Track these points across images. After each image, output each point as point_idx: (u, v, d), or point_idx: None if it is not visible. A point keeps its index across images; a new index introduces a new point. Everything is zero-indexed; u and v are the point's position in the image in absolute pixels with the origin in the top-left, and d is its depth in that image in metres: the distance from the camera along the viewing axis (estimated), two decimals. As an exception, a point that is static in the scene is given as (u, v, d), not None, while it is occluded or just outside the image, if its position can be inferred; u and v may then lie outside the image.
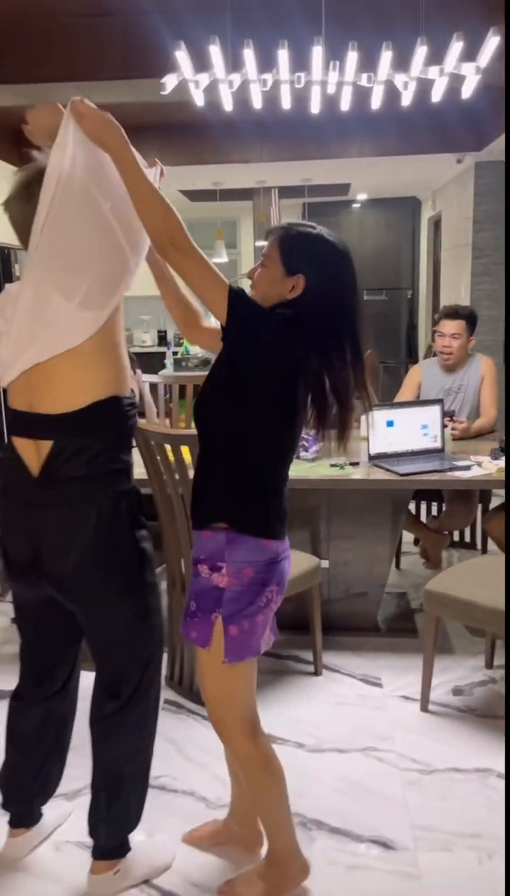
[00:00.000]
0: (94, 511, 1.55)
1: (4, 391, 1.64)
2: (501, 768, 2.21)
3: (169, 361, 5.38)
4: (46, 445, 1.55)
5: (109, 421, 1.58)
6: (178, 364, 5.12)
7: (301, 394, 1.52)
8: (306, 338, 1.49)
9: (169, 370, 5.13)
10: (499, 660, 2.78)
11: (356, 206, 8.95)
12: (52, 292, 1.50)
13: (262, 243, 6.92)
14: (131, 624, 1.67)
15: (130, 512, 1.61)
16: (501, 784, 2.14)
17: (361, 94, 3.05)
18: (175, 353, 5.36)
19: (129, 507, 1.61)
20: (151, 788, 2.12)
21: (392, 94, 2.92)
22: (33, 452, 1.57)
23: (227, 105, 2.72)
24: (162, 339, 8.05)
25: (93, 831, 1.74)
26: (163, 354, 6.45)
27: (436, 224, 7.70)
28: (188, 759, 2.28)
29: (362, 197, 8.57)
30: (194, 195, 7.07)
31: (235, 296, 1.45)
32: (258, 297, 1.53)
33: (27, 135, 1.52)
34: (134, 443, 1.72)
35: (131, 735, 1.72)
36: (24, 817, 1.88)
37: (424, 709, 2.49)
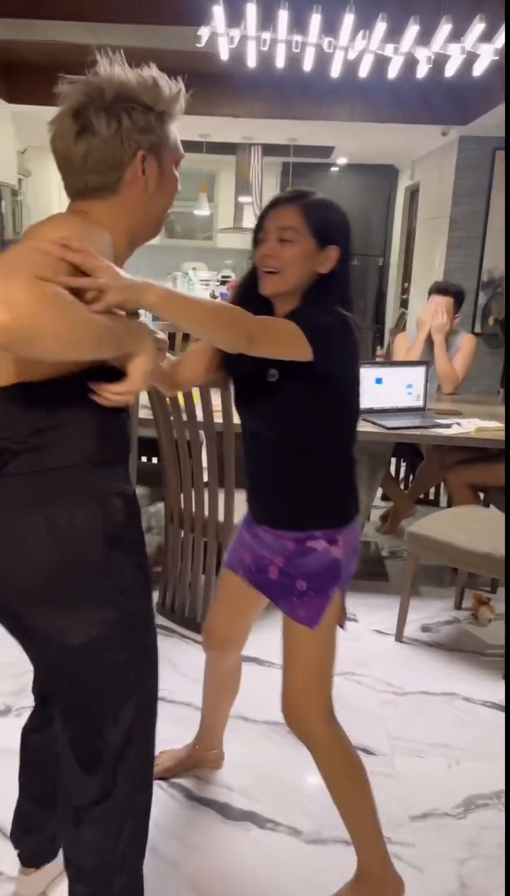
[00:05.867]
0: (42, 521, 1.07)
1: None
2: (465, 693, 2.47)
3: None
4: None
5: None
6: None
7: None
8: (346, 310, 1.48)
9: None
10: (466, 602, 3.05)
11: (334, 169, 9.01)
12: None
13: (247, 199, 6.93)
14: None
15: (99, 527, 1.11)
16: (466, 705, 2.41)
17: (355, 61, 3.15)
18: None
19: (96, 518, 1.10)
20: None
21: (383, 62, 3.03)
22: None
23: (252, 62, 2.81)
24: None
25: None
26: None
27: (413, 194, 7.85)
28: (184, 676, 2.48)
29: (342, 161, 8.64)
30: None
31: (309, 330, 1.35)
32: (291, 278, 1.45)
33: None
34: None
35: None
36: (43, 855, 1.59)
37: (398, 640, 2.74)
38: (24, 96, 5.42)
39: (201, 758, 2.05)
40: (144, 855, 1.28)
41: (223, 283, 6.80)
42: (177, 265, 7.88)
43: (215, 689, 1.95)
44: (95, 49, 1.17)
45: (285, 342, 1.33)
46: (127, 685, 1.21)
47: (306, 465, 1.52)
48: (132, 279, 1.04)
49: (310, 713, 1.57)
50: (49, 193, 7.27)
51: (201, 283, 6.14)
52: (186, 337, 4.26)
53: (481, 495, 3.41)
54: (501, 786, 2.04)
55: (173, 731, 2.18)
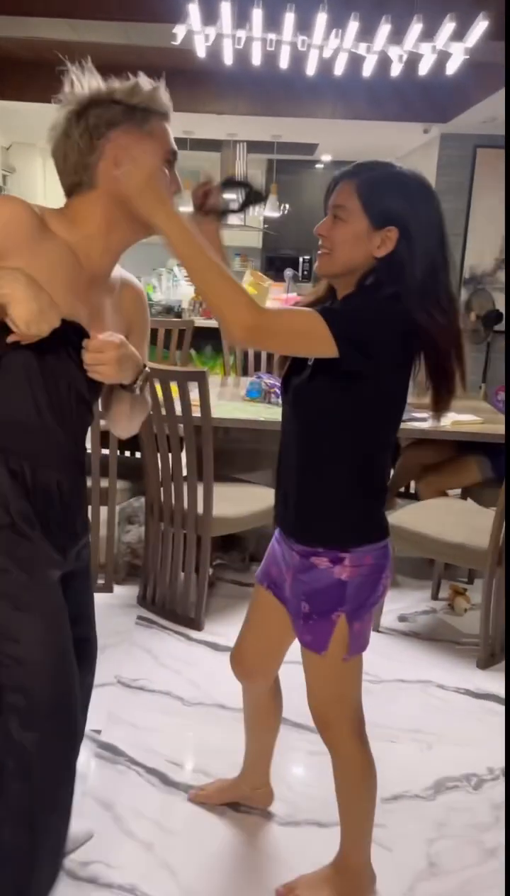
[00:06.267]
0: None
1: None
2: (440, 680, 2.52)
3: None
4: None
5: None
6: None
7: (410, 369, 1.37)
8: (407, 302, 1.29)
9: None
10: (443, 593, 3.10)
11: (319, 166, 9.05)
12: None
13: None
14: None
15: None
16: (440, 692, 2.46)
17: (331, 59, 3.17)
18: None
19: None
20: (131, 689, 2.37)
21: (360, 61, 3.05)
22: None
23: (228, 59, 2.85)
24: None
25: None
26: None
27: (397, 191, 7.90)
28: (163, 666, 2.52)
29: (327, 158, 8.68)
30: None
31: (331, 322, 1.23)
32: (340, 260, 1.34)
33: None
34: None
35: None
36: None
37: (375, 629, 2.79)
38: (8, 92, 5.42)
39: (246, 794, 1.92)
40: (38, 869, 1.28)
41: (208, 279, 6.84)
42: (162, 261, 7.89)
43: (251, 719, 1.83)
44: (66, 59, 1.24)
45: (298, 338, 1.25)
46: None
47: (322, 473, 1.41)
48: (160, 193, 1.21)
49: (335, 726, 1.54)
50: (34, 190, 7.27)
51: (186, 279, 6.18)
52: (181, 337, 4.27)
53: (460, 491, 3.47)
54: (470, 769, 2.10)
55: (152, 720, 2.23)
